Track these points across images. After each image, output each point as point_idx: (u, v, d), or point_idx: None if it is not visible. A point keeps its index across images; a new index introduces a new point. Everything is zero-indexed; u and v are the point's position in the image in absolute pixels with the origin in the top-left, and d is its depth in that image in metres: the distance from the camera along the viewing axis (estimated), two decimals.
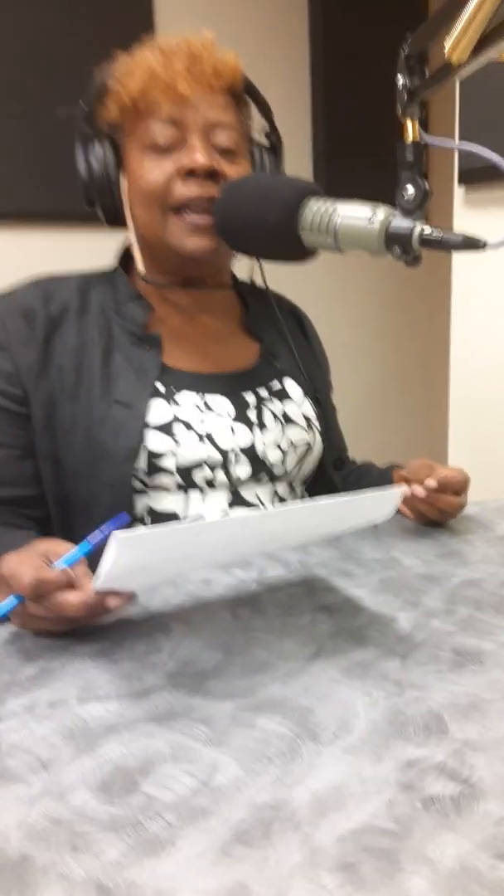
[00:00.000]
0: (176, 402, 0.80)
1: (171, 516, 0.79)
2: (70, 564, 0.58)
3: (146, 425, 0.77)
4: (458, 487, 0.80)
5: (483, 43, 0.49)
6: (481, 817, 0.38)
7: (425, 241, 0.62)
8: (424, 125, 0.63)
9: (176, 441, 0.77)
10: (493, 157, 0.59)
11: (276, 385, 0.88)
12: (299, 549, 0.75)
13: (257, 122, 0.89)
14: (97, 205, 0.83)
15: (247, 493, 0.82)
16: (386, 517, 0.68)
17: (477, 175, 1.32)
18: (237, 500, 0.81)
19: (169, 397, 0.80)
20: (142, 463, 0.76)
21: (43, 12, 1.79)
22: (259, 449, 0.82)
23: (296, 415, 0.88)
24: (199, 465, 0.78)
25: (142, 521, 0.79)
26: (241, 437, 0.82)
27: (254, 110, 0.87)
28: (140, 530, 0.49)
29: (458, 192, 1.39)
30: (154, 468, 0.77)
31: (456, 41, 0.48)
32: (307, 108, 2.31)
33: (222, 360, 0.87)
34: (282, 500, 0.86)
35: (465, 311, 1.44)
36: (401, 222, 0.63)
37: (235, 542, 0.61)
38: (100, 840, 0.37)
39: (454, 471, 0.80)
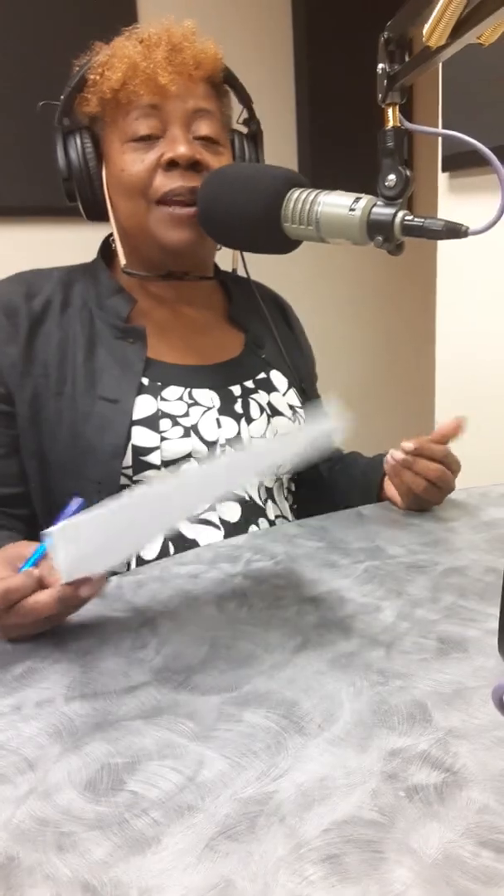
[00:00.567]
0: (163, 398, 0.79)
1: None
2: (33, 563, 0.57)
3: (133, 422, 0.77)
4: (436, 455, 0.78)
5: (462, 25, 0.48)
6: (464, 805, 0.38)
7: (407, 229, 0.62)
8: (408, 112, 0.62)
9: (161, 436, 0.77)
10: (472, 143, 0.59)
11: (261, 376, 0.88)
12: (285, 541, 0.75)
13: (238, 111, 0.88)
14: (77, 199, 0.82)
15: None
16: (330, 433, 0.64)
17: (460, 161, 1.31)
18: None
19: (155, 393, 0.79)
20: (128, 459, 0.76)
21: (24, 7, 1.76)
22: (245, 440, 0.82)
23: (281, 405, 0.87)
24: (185, 458, 0.78)
25: None
26: (228, 429, 0.81)
27: (234, 99, 0.86)
28: (76, 518, 0.49)
29: (442, 178, 1.38)
30: (140, 464, 0.76)
31: (434, 24, 0.48)
32: (291, 94, 2.29)
33: (207, 351, 0.87)
34: (269, 490, 0.86)
35: (451, 297, 1.44)
36: (382, 210, 0.63)
37: (183, 500, 0.60)
38: (86, 839, 0.37)
39: (437, 444, 0.79)
